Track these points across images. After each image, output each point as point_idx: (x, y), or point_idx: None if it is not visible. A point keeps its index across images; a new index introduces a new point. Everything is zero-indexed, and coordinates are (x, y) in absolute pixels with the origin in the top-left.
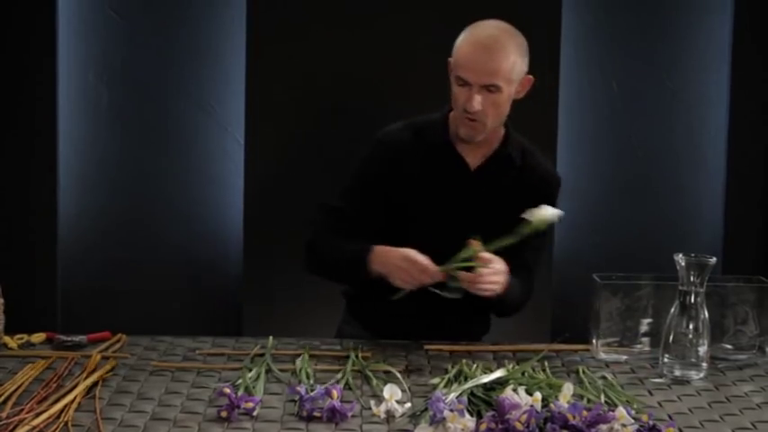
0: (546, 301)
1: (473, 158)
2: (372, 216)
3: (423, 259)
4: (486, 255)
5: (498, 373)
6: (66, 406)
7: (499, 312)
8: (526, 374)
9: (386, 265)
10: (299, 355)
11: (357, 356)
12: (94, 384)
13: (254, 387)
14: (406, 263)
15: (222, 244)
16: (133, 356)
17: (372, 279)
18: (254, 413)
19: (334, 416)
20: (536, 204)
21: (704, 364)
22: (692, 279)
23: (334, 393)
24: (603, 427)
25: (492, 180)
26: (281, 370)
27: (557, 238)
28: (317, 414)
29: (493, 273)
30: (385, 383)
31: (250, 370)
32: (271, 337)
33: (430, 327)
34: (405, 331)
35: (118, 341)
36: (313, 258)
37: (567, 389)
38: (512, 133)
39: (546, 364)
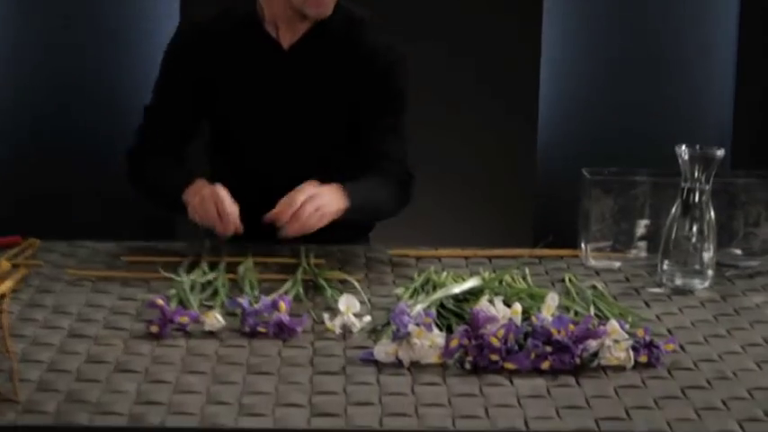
0: (527, 198)
1: (287, 37)
2: (185, 113)
3: (228, 204)
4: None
5: (472, 282)
6: None
7: (364, 223)
8: (504, 283)
9: (192, 197)
10: (241, 262)
11: (309, 263)
12: (1, 296)
13: (189, 299)
14: (209, 200)
15: None
16: (47, 264)
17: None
18: (189, 328)
19: (281, 331)
20: (370, 87)
21: (709, 272)
22: (696, 175)
23: (282, 306)
24: (593, 343)
25: (309, 59)
26: (224, 280)
27: (540, 124)
28: (261, 329)
29: (291, 210)
30: (341, 294)
31: (184, 279)
32: (207, 241)
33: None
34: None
35: (29, 247)
36: (134, 175)
37: (552, 300)
38: (341, 2)
39: (527, 271)
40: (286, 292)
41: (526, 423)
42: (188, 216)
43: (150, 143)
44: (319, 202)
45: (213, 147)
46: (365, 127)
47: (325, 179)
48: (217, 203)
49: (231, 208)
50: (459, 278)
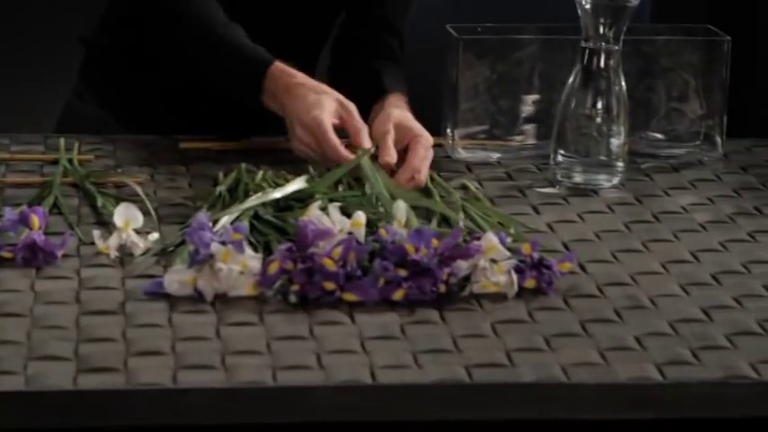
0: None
1: None
2: None
3: (332, 136)
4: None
5: (297, 184)
6: None
7: None
8: (341, 186)
9: (286, 115)
10: None
11: (72, 161)
12: None
13: None
14: (311, 132)
15: None
16: None
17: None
18: None
19: (34, 257)
20: None
21: (620, 164)
22: (601, 30)
23: (35, 220)
24: (463, 264)
25: None
26: None
27: None
28: (5, 254)
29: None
30: (117, 203)
31: None
32: None
33: (206, 116)
34: (164, 120)
35: None
36: (177, 39)
37: (403, 207)
38: None
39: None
40: (40, 202)
41: (373, 374)
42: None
43: None
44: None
45: None
46: None
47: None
48: (320, 133)
49: (334, 140)
50: (282, 179)
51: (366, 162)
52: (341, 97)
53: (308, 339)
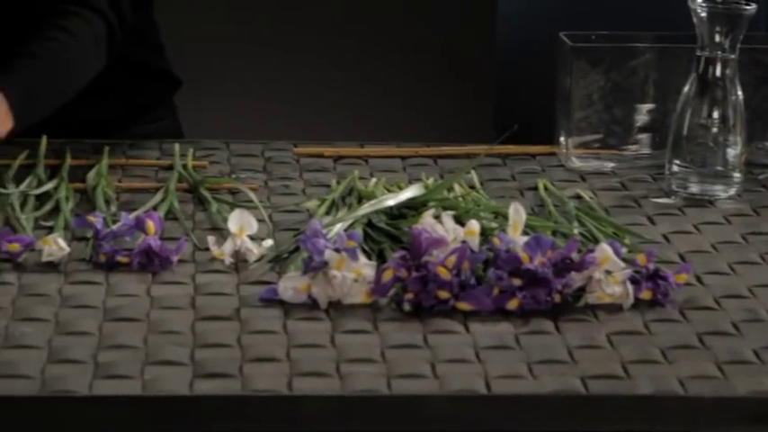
0: (483, 76)
1: None
2: None
3: None
4: None
5: (411, 192)
6: None
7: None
8: (455, 193)
9: None
10: (92, 166)
11: (187, 166)
12: None
13: (19, 218)
14: None
15: None
16: None
17: None
18: (21, 259)
19: (150, 262)
20: None
21: (736, 175)
22: (717, 39)
23: (151, 226)
24: (576, 276)
25: None
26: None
27: None
28: (122, 259)
29: None
30: (232, 209)
31: (12, 191)
32: (45, 138)
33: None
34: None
35: None
36: None
37: (519, 214)
38: None
39: (485, 176)
40: (155, 207)
41: (487, 384)
42: None
43: None
44: None
45: None
46: None
47: None
48: None
49: None
50: (395, 186)
51: None
52: None
53: (423, 348)
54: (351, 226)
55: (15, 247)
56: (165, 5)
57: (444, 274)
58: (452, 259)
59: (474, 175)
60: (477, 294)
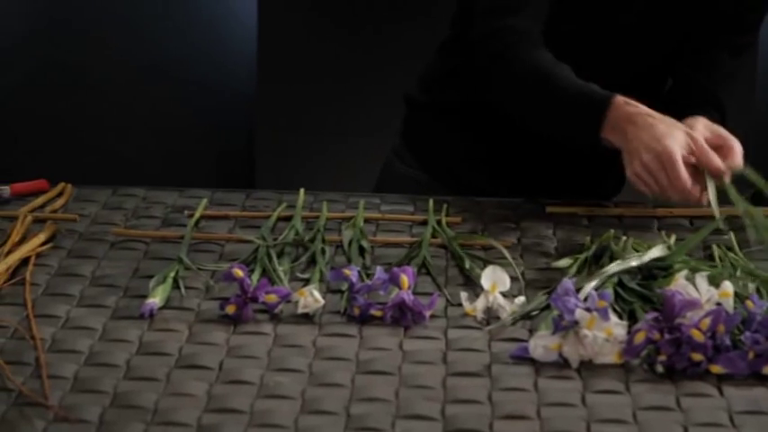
0: (742, 120)
1: None
2: None
3: (683, 168)
4: None
5: (656, 252)
6: None
7: None
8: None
9: (628, 142)
10: (348, 219)
11: (440, 222)
12: (23, 262)
13: (276, 270)
14: (660, 161)
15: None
16: (84, 219)
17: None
18: (278, 310)
19: (403, 316)
20: None
21: None
22: None
23: (405, 280)
24: None
25: None
26: (324, 243)
27: None
28: (375, 313)
29: None
30: (484, 265)
31: (270, 242)
32: (302, 191)
33: (534, 178)
34: (487, 182)
35: (60, 194)
36: (509, 82)
37: None
38: None
39: (740, 236)
40: (409, 262)
41: None
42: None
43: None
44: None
45: None
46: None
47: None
48: (670, 164)
49: (685, 174)
50: (647, 245)
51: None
52: (690, 131)
53: (675, 411)
54: (602, 285)
55: (272, 298)
56: None
57: (698, 336)
58: (707, 322)
59: (732, 237)
60: (732, 358)
